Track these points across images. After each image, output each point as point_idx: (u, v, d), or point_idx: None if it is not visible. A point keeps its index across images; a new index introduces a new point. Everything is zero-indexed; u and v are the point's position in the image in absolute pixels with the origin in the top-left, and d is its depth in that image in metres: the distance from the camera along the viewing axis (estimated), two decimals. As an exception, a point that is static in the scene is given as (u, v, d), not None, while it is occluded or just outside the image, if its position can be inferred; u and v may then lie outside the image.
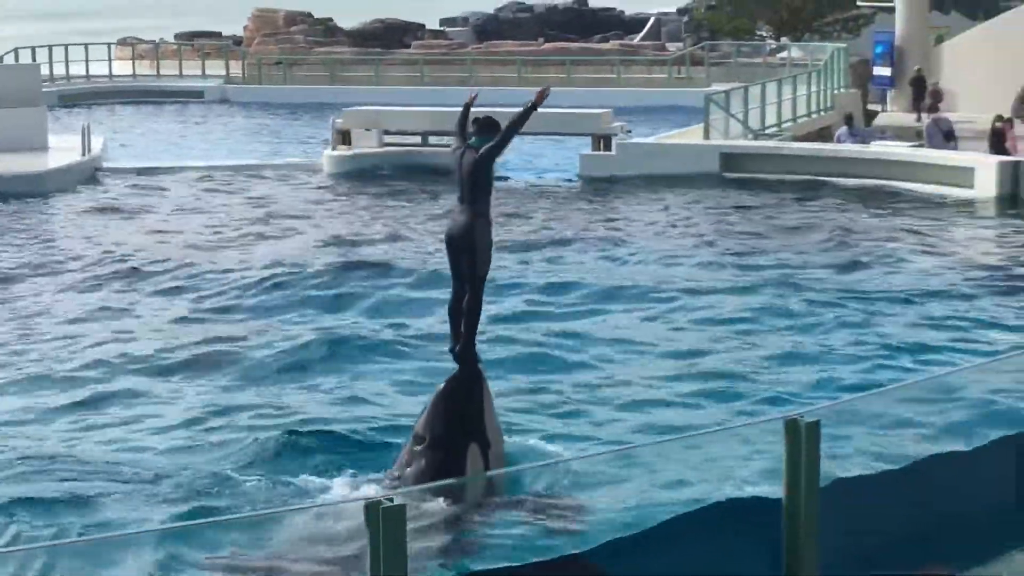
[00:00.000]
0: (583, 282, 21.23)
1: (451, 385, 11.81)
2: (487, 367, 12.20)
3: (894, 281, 21.01)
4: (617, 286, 20.85)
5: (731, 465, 11.48)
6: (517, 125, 11.82)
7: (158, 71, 61.87)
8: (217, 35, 74.53)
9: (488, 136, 11.83)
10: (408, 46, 64.84)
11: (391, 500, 7.33)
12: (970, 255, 23.16)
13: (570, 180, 33.19)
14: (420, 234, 25.98)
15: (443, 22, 78.70)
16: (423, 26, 72.69)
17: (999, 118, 32.01)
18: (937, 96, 46.19)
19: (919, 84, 47.56)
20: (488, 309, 18.07)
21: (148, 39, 68.61)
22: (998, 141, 31.03)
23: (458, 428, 11.63)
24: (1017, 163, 28.13)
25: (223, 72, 60.44)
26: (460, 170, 11.77)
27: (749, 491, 10.79)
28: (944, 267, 22.07)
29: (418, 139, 35.08)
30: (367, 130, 34.96)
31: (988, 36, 49.57)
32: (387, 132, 35.10)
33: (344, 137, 34.93)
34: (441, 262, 22.77)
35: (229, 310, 20.16)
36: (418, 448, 11.73)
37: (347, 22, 71.54)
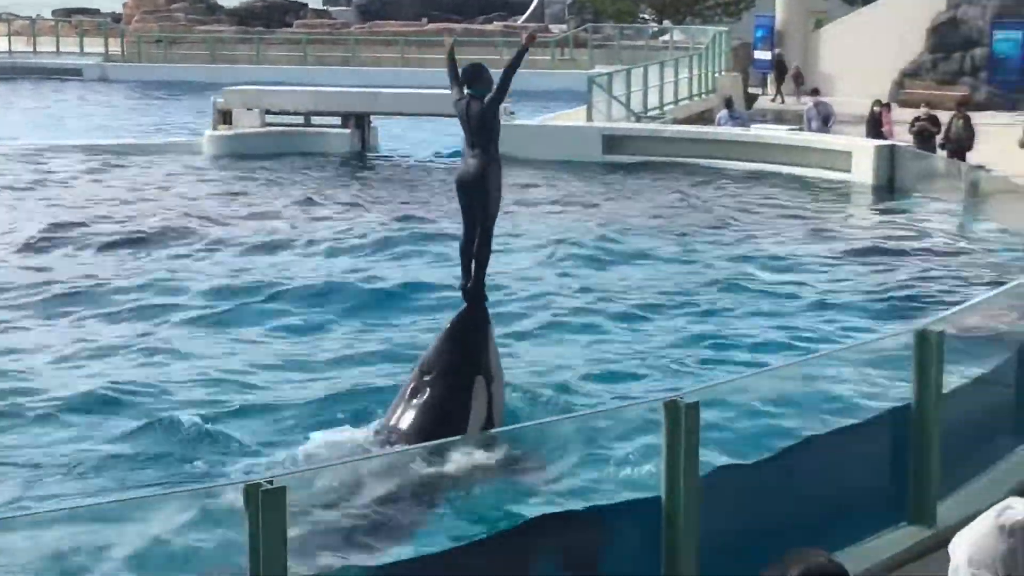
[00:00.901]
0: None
1: (461, 320, 12.34)
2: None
3: (771, 263, 21.24)
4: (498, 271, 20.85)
5: (613, 448, 11.55)
6: (513, 69, 12.42)
7: (35, 47, 60.86)
8: (96, 12, 73.56)
9: (481, 84, 12.58)
10: (291, 25, 64.40)
11: (271, 482, 7.27)
12: (844, 238, 23.45)
13: (453, 162, 33.10)
14: (296, 213, 25.88)
15: (326, 1, 78.30)
16: (306, 5, 72.28)
17: (877, 103, 32.43)
18: (799, 79, 46.86)
19: (780, 67, 48.22)
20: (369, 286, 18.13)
21: (24, 15, 67.44)
22: (876, 125, 31.44)
23: (466, 360, 12.10)
24: (893, 147, 28.52)
25: (102, 49, 59.56)
26: (468, 119, 12.39)
27: (629, 473, 10.88)
28: (818, 249, 22.32)
29: (301, 119, 34.83)
30: (249, 109, 34.61)
31: (866, 21, 50.30)
32: (269, 112, 34.77)
33: (225, 117, 34.55)
34: (318, 237, 22.98)
35: (92, 287, 19.78)
36: (426, 378, 12.14)
37: (229, 1, 70.90)
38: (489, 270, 12.60)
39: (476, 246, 12.26)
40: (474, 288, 12.34)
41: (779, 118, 38.58)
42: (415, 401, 12.11)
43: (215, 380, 15.12)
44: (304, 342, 16.89)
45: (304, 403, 14.06)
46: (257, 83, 39.12)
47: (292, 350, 16.48)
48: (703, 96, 40.84)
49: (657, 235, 23.89)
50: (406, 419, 11.97)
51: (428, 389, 12.09)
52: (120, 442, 13.06)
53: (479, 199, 12.13)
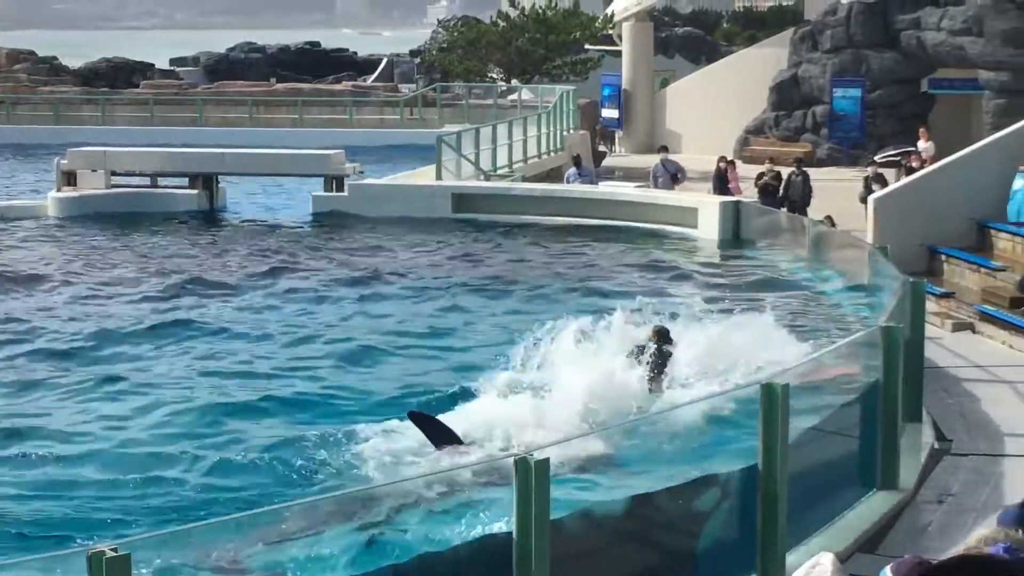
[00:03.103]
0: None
1: None
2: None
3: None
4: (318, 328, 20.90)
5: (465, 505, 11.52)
6: None
7: None
8: (-65, 73, 72.04)
9: None
10: (137, 86, 63.72)
11: (115, 550, 7.14)
12: (686, 293, 23.69)
13: (303, 221, 32.93)
14: (146, 276, 25.75)
15: (173, 62, 77.70)
16: (152, 66, 71.59)
17: (723, 159, 32.96)
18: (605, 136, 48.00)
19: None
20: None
21: None
22: (722, 181, 31.93)
23: None
24: (738, 203, 28.96)
25: (-58, 111, 58.40)
26: None
27: (481, 532, 10.85)
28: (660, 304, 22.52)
29: (147, 180, 34.45)
30: (93, 171, 34.13)
31: (711, 79, 51.16)
32: (115, 173, 34.33)
33: (70, 178, 34.04)
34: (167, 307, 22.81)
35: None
36: None
37: (73, 61, 69.99)
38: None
39: None
40: None
41: (627, 175, 39.01)
42: None
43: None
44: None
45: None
46: (102, 144, 38.59)
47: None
48: (552, 154, 41.16)
49: (501, 290, 24.05)
50: None
51: None
52: None
53: None
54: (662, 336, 17.50)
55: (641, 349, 17.08)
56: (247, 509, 12.11)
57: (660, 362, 16.98)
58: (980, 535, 5.46)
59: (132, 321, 21.86)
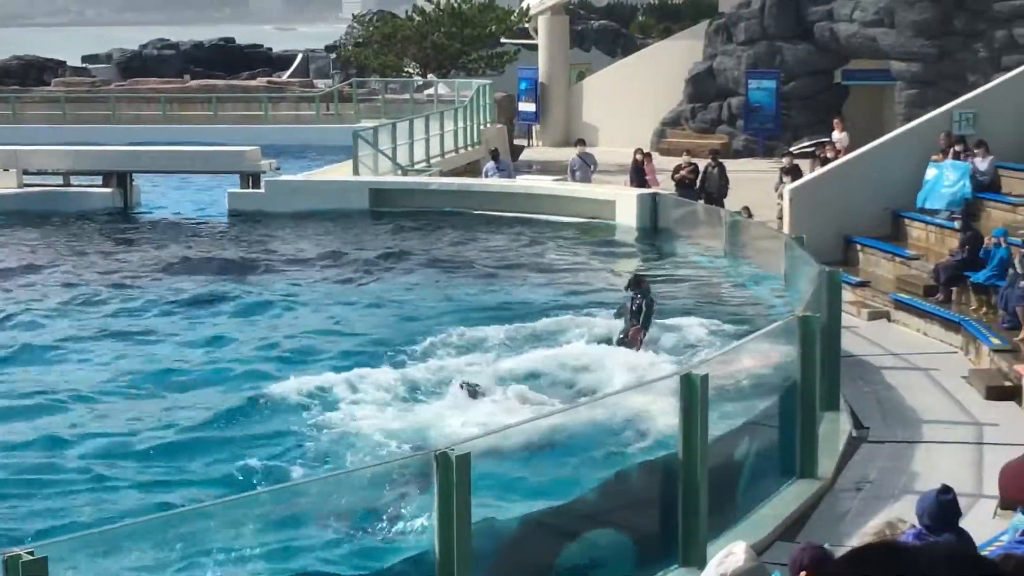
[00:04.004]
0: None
1: None
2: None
3: (530, 309, 21.49)
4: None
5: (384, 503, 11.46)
6: None
7: None
8: None
9: None
10: (48, 84, 62.95)
11: (31, 553, 7.05)
12: (603, 283, 23.77)
13: (219, 218, 32.70)
14: (63, 274, 25.51)
15: (85, 59, 76.75)
16: (64, 63, 70.72)
17: (639, 152, 33.03)
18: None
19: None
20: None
21: None
22: (639, 174, 32.01)
23: None
24: (655, 195, 29.08)
25: None
26: None
27: (402, 528, 10.81)
28: (579, 298, 22.58)
29: (60, 179, 34.08)
30: (5, 170, 33.71)
31: (627, 72, 51.30)
32: (27, 172, 33.94)
33: (-19, 177, 33.60)
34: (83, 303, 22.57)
35: None
36: None
37: (-17, 59, 69.04)
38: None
39: None
40: None
41: (545, 169, 39.03)
42: None
43: None
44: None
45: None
46: (14, 143, 38.08)
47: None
48: (469, 148, 41.12)
49: (422, 283, 24.07)
50: None
51: None
52: None
53: None
54: (637, 284, 18.53)
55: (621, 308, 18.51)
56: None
57: (642, 312, 18.24)
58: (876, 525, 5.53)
59: (46, 320, 21.63)
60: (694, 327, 19.74)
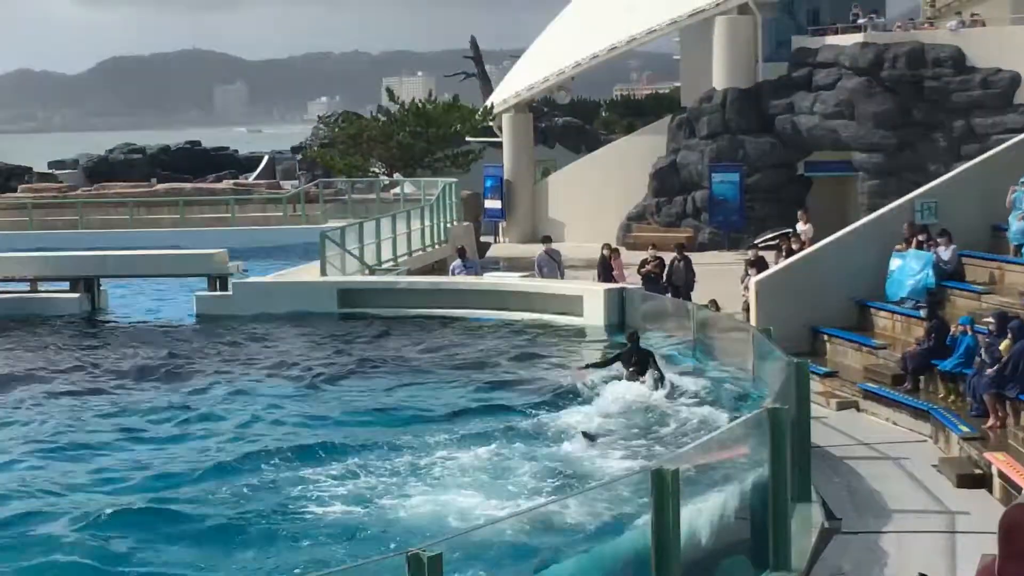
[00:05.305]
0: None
1: None
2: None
3: (509, 407, 21.51)
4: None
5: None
6: None
7: None
8: None
9: None
10: (15, 190, 62.99)
11: None
12: (565, 379, 23.76)
13: (187, 321, 32.63)
14: (28, 379, 25.44)
15: (52, 164, 76.93)
16: (30, 169, 70.85)
17: (607, 247, 33.17)
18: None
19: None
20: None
21: None
22: (606, 269, 32.13)
23: None
24: (622, 290, 29.17)
25: None
26: None
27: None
28: (546, 394, 22.61)
29: (27, 285, 34.04)
30: (-28, 278, 33.67)
31: (591, 168, 51.68)
32: (-6, 279, 33.90)
33: (-54, 285, 33.52)
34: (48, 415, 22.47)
35: None
36: None
37: (-52, 166, 69.09)
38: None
39: None
40: None
41: (512, 266, 39.16)
42: None
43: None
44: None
45: None
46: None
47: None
48: (436, 246, 41.24)
49: (388, 384, 24.08)
50: None
51: None
52: None
53: None
54: (634, 338, 22.91)
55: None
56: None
57: (638, 359, 22.28)
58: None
59: (14, 427, 21.54)
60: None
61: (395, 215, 39.32)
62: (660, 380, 22.09)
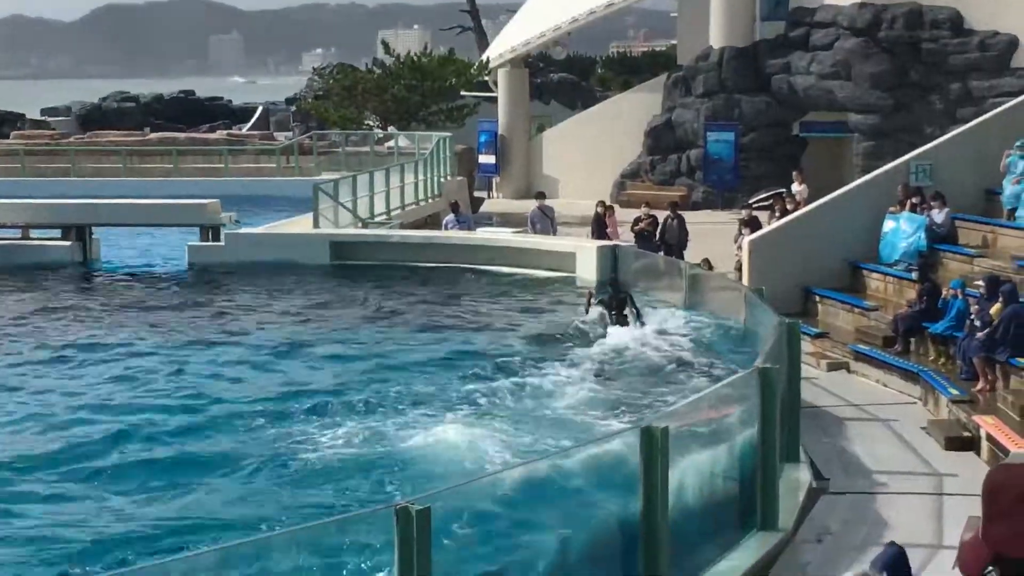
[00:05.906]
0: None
1: None
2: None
3: (496, 362, 21.51)
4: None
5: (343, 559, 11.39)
6: None
7: None
8: None
9: None
10: (7, 136, 62.78)
11: None
12: (564, 335, 23.80)
13: (179, 270, 32.59)
14: (19, 327, 25.41)
15: (44, 112, 76.67)
16: (23, 116, 70.61)
17: (601, 204, 33.14)
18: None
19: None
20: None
21: None
22: (600, 226, 32.10)
23: None
24: (615, 247, 29.14)
25: None
26: None
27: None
28: (540, 350, 22.63)
29: (18, 232, 33.96)
30: (-37, 224, 33.59)
31: (586, 125, 51.51)
32: (-14, 225, 33.81)
33: (-62, 231, 33.43)
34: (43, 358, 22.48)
35: None
36: None
37: (-59, 112, 68.88)
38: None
39: None
40: None
41: (505, 221, 39.09)
42: None
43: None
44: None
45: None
46: (-28, 196, 37.93)
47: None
48: (430, 200, 41.17)
49: (379, 337, 24.05)
50: None
51: None
52: None
53: None
54: (614, 282, 24.64)
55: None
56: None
57: (618, 303, 23.56)
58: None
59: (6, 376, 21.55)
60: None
61: (389, 168, 39.24)
62: (638, 316, 23.54)
